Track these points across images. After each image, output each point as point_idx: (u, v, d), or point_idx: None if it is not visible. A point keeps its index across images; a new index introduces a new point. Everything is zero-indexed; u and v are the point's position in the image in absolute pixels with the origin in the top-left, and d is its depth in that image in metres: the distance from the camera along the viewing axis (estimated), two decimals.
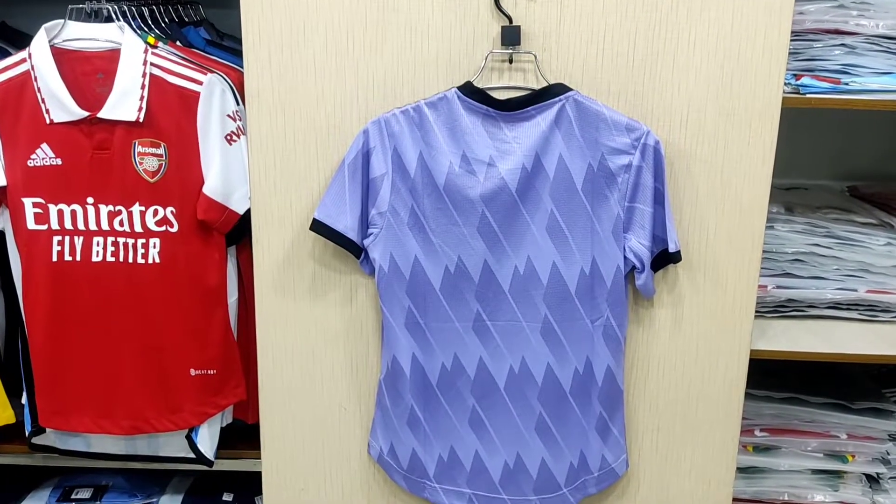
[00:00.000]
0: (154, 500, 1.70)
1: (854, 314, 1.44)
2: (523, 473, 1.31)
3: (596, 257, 1.23)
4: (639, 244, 1.22)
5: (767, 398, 1.50)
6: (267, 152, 1.25)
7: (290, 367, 1.34)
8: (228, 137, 1.31)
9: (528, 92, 1.19)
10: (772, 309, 1.44)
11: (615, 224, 1.22)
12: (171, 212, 1.34)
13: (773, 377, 1.52)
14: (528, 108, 1.19)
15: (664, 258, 1.22)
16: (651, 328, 1.30)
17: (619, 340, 1.27)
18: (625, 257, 1.23)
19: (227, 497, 1.70)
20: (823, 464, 1.52)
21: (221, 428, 1.52)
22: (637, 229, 1.22)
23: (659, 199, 1.20)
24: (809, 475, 1.53)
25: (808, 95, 1.25)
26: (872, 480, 1.54)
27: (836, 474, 1.53)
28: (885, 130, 1.71)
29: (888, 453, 1.50)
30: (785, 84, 1.21)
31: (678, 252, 1.21)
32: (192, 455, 1.48)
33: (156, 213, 1.33)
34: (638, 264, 1.23)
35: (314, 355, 1.34)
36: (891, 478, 1.51)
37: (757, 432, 1.51)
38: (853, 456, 1.51)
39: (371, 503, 1.41)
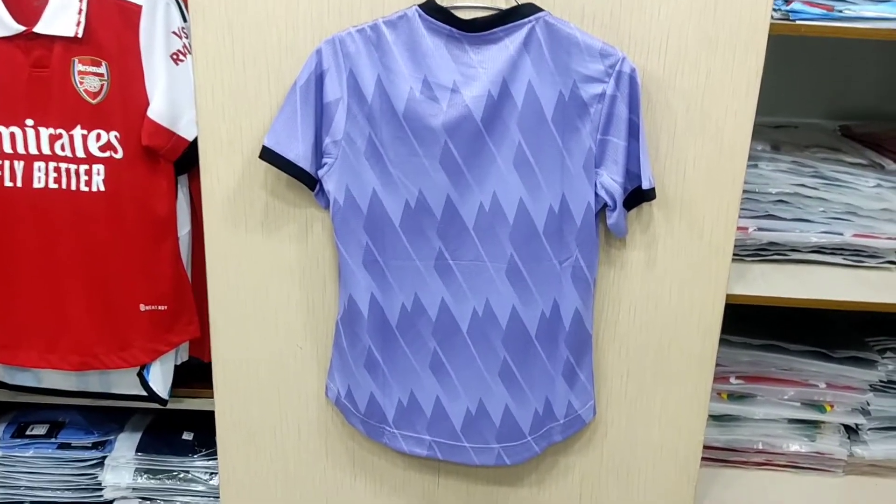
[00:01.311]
0: (111, 437, 1.66)
1: (839, 259, 1.37)
2: (486, 420, 1.25)
3: (565, 194, 1.15)
4: (611, 180, 1.14)
5: (745, 345, 1.44)
6: (214, 73, 1.15)
7: (243, 304, 1.27)
8: (174, 56, 1.22)
9: (496, 12, 1.10)
10: (752, 252, 1.37)
11: (586, 158, 1.14)
12: (116, 136, 1.25)
13: (750, 323, 1.46)
14: (496, 30, 1.09)
15: (638, 196, 1.15)
16: (622, 270, 1.23)
17: (589, 282, 1.20)
18: (596, 194, 1.15)
19: (186, 436, 1.65)
20: (800, 413, 1.47)
21: (176, 366, 1.46)
22: (610, 164, 1.14)
23: (633, 131, 1.12)
24: (786, 424, 1.48)
25: (798, 22, 1.16)
26: (851, 431, 1.49)
27: (814, 424, 1.48)
28: (883, 65, 1.62)
29: (868, 404, 1.45)
30: (774, 9, 1.12)
31: (653, 189, 1.13)
32: (144, 393, 1.42)
33: (99, 137, 1.25)
34: (610, 202, 1.15)
35: (268, 292, 1.27)
36: (870, 429, 1.47)
37: (732, 380, 1.45)
38: (831, 406, 1.46)
39: (329, 447, 1.35)
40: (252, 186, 1.21)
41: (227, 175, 1.21)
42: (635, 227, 1.21)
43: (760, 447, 1.48)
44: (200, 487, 1.60)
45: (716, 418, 1.46)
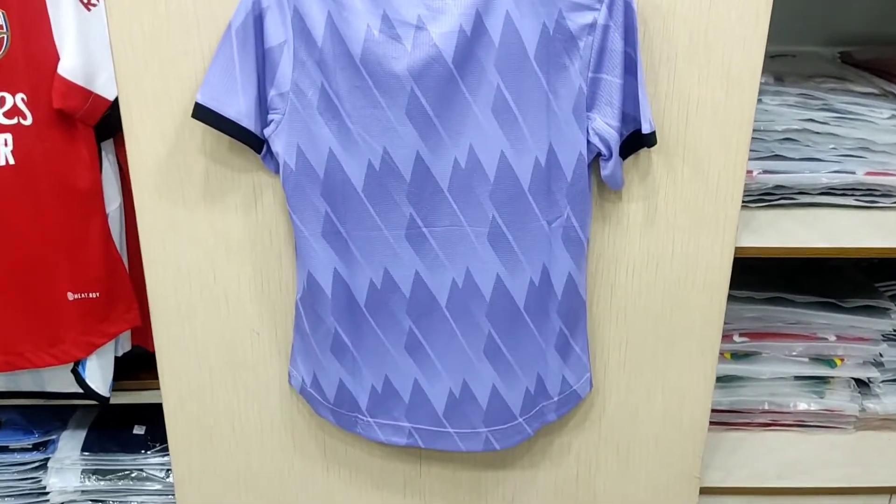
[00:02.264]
0: (54, 436, 1.50)
1: (850, 200, 1.23)
2: (471, 403, 1.11)
3: (553, 143, 0.99)
4: (605, 125, 0.99)
5: (749, 299, 1.32)
6: (131, 18, 0.97)
7: (187, 287, 1.11)
8: (85, 1, 1.03)
9: None
10: (756, 198, 1.23)
11: (576, 101, 0.98)
12: (22, 99, 1.07)
13: (753, 275, 1.33)
14: None
15: (636, 141, 1.00)
16: (619, 226, 1.08)
17: (582, 243, 1.05)
18: (588, 142, 1.00)
19: (138, 430, 1.50)
20: (809, 369, 1.35)
21: (117, 357, 1.29)
22: (603, 106, 0.98)
23: (630, 67, 0.96)
24: (792, 382, 1.36)
25: None
26: (862, 385, 1.38)
27: (823, 380, 1.36)
28: None
29: (881, 355, 1.34)
30: None
31: (653, 133, 0.98)
32: (81, 391, 1.25)
33: (3, 101, 1.06)
34: (604, 150, 1.00)
35: (215, 272, 1.10)
36: (883, 381, 1.36)
37: (736, 337, 1.33)
38: (842, 360, 1.34)
39: (296, 439, 1.20)
40: (187, 151, 1.04)
41: (155, 139, 1.03)
42: (632, 176, 1.06)
43: (766, 407, 1.37)
44: (156, 486, 1.45)
45: (719, 379, 1.33)
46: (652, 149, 1.03)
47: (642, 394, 1.18)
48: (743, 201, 1.10)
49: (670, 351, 1.16)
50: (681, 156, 1.05)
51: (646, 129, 0.98)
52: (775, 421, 1.38)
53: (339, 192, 1.01)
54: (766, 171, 1.21)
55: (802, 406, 1.36)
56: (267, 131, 0.99)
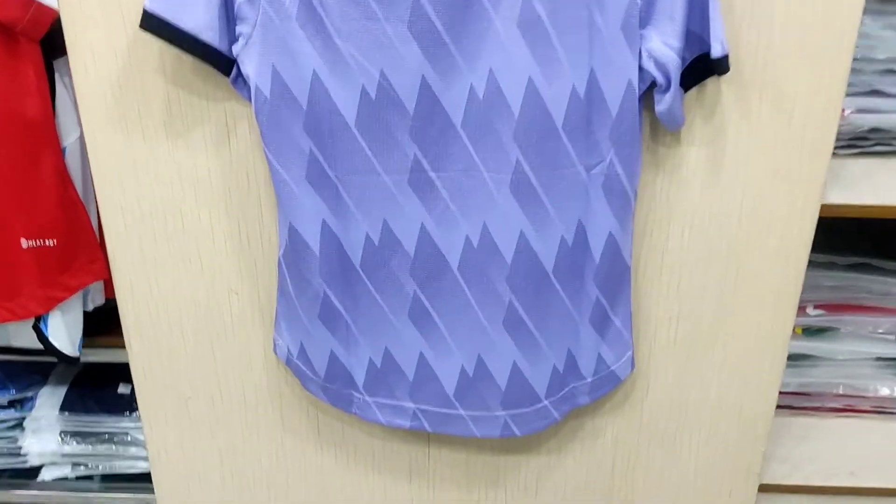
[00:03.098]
0: (31, 393, 1.35)
1: None
2: (487, 382, 0.93)
3: (595, 69, 0.78)
4: (663, 46, 0.77)
5: (829, 265, 1.10)
6: None
7: (151, 237, 0.93)
8: None
9: None
10: (847, 143, 1.01)
11: (627, 14, 0.76)
12: None
13: (835, 236, 1.11)
14: None
15: (703, 68, 0.78)
16: (675, 176, 0.88)
17: (628, 195, 0.85)
18: (641, 68, 0.78)
19: (123, 389, 1.34)
20: (894, 349, 1.14)
21: (88, 312, 1.13)
22: (662, 22, 0.77)
23: None
24: (874, 363, 1.15)
25: None
26: None
27: None
28: None
29: None
30: None
31: (725, 58, 0.76)
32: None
33: None
34: (660, 78, 0.78)
35: (183, 221, 0.92)
36: None
37: (810, 310, 1.12)
38: None
39: (285, 416, 1.04)
40: (144, 73, 0.85)
41: (106, 57, 0.84)
42: (695, 114, 0.84)
43: (841, 391, 1.16)
44: (142, 452, 1.30)
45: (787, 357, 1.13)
46: (722, 78, 0.81)
47: (695, 377, 0.99)
48: None
49: (732, 327, 0.95)
50: (758, 89, 0.83)
51: (716, 53, 0.76)
52: (851, 406, 1.18)
53: (325, 126, 0.81)
54: (860, 111, 0.98)
55: (885, 391, 1.16)
56: (235, 48, 0.79)
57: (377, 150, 0.82)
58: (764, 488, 1.08)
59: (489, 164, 0.82)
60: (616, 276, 0.89)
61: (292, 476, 1.08)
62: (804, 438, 1.16)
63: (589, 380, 0.95)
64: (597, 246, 0.86)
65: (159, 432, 1.06)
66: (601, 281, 0.88)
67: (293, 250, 0.87)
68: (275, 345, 0.97)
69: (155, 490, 1.11)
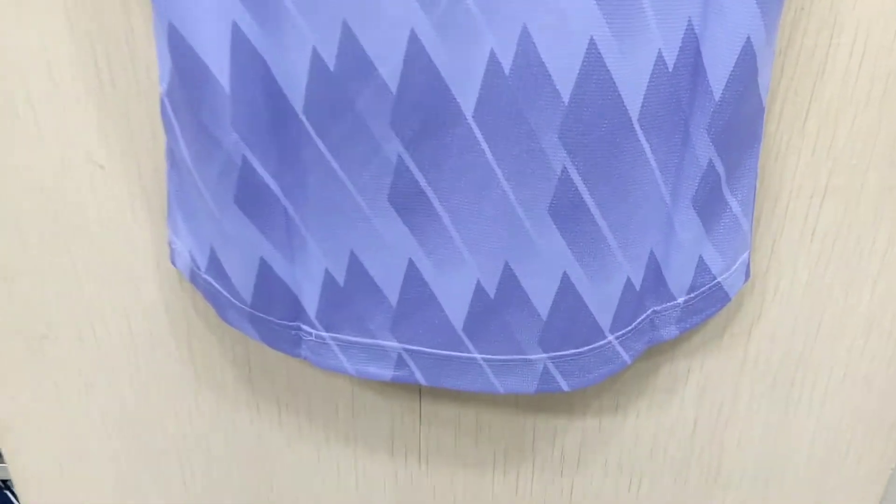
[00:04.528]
0: None
1: None
2: (518, 306, 0.57)
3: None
4: None
5: None
6: None
7: None
8: None
9: None
10: None
11: None
12: None
13: None
14: None
15: None
16: None
17: None
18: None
19: None
20: None
21: None
22: None
23: None
24: None
25: None
26: None
27: None
28: None
29: None
30: None
31: None
32: None
33: None
34: None
35: (5, 44, 0.53)
36: None
37: None
38: None
39: (198, 361, 0.67)
40: None
41: None
42: None
43: None
44: None
45: None
46: None
47: (838, 289, 0.63)
48: None
49: None
50: None
51: None
52: None
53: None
54: None
55: None
56: None
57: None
58: None
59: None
60: (744, 122, 0.52)
61: (214, 449, 0.72)
62: None
63: (681, 300, 0.59)
64: (719, 68, 0.49)
65: (7, 394, 0.69)
66: (719, 131, 0.52)
67: (182, 82, 0.49)
68: (171, 251, 0.60)
69: (14, 486, 0.74)
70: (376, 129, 0.50)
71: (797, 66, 0.53)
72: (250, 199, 0.53)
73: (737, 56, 0.48)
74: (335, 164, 0.52)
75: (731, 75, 0.49)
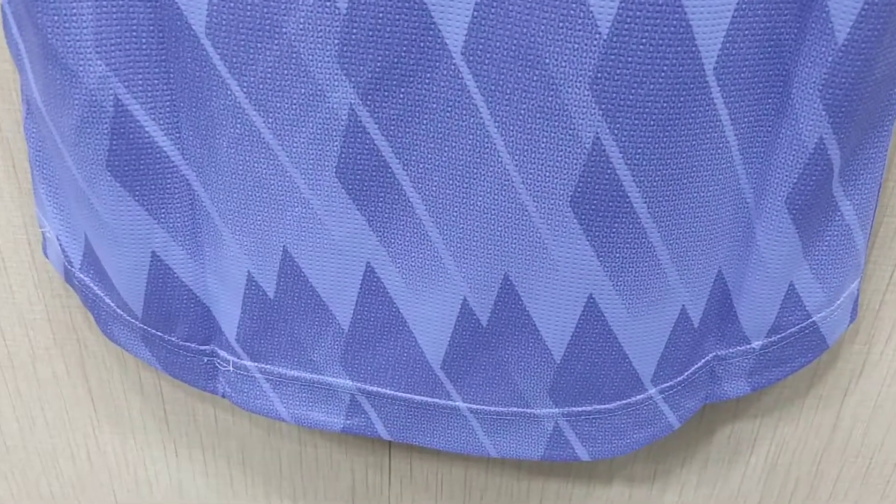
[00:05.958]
0: None
1: None
2: (521, 339, 0.39)
3: None
4: None
5: None
6: None
7: None
8: None
9: None
10: None
11: None
12: None
13: None
14: None
15: None
16: None
17: None
18: None
19: None
20: None
21: None
22: None
23: None
24: None
25: None
26: None
27: None
28: None
29: None
30: None
31: None
32: None
33: None
34: None
35: None
36: None
37: None
38: None
39: (93, 389, 0.50)
40: None
41: None
42: None
43: None
44: None
45: None
46: None
47: None
48: None
49: None
50: None
51: None
52: None
53: None
54: None
55: None
56: None
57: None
58: None
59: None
60: (877, 86, 0.34)
61: (121, 499, 0.55)
62: None
63: (757, 344, 0.41)
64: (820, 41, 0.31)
65: None
66: (840, 95, 0.33)
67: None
68: (43, 240, 0.43)
69: None
70: (317, 66, 0.33)
71: None
72: (131, 165, 0.36)
73: None
74: (256, 117, 0.34)
75: (865, 5, 0.31)
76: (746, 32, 0.31)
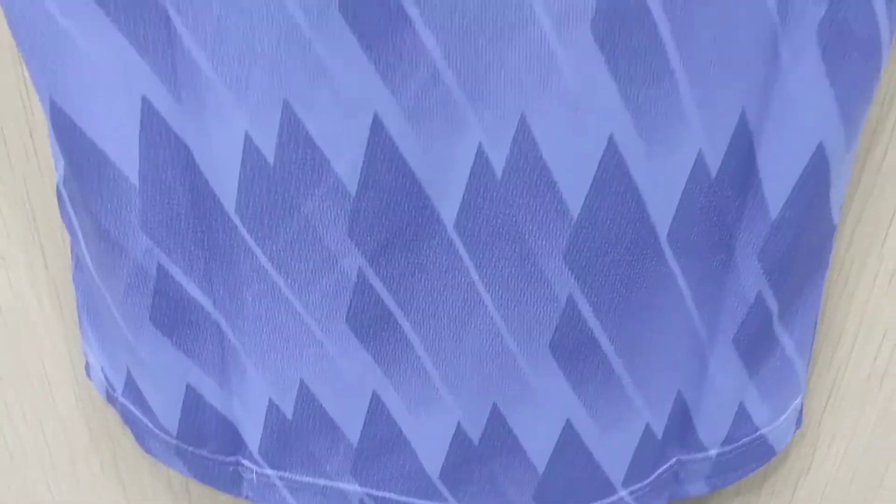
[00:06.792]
0: None
1: None
2: (509, 455, 0.45)
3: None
4: None
5: None
6: None
7: None
8: None
9: None
10: None
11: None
12: None
13: None
14: None
15: None
16: None
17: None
18: None
19: None
20: None
21: None
22: None
23: None
24: None
25: None
26: None
27: None
28: None
29: None
30: None
31: None
32: None
33: None
34: None
35: None
36: None
37: None
38: None
39: (128, 489, 0.56)
40: None
41: None
42: None
43: None
44: None
45: None
46: None
47: None
48: None
49: None
50: None
51: None
52: None
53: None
54: None
55: None
56: None
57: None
58: None
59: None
60: (808, 248, 0.41)
61: None
62: None
63: (713, 452, 0.47)
64: (778, 178, 0.37)
65: None
66: (774, 259, 0.40)
67: (76, 172, 0.38)
68: (86, 365, 0.48)
69: None
70: (331, 238, 0.39)
71: (878, 176, 0.41)
72: (171, 316, 0.42)
73: (804, 165, 0.37)
74: (277, 278, 0.40)
75: (794, 189, 0.37)
76: (693, 208, 0.38)
